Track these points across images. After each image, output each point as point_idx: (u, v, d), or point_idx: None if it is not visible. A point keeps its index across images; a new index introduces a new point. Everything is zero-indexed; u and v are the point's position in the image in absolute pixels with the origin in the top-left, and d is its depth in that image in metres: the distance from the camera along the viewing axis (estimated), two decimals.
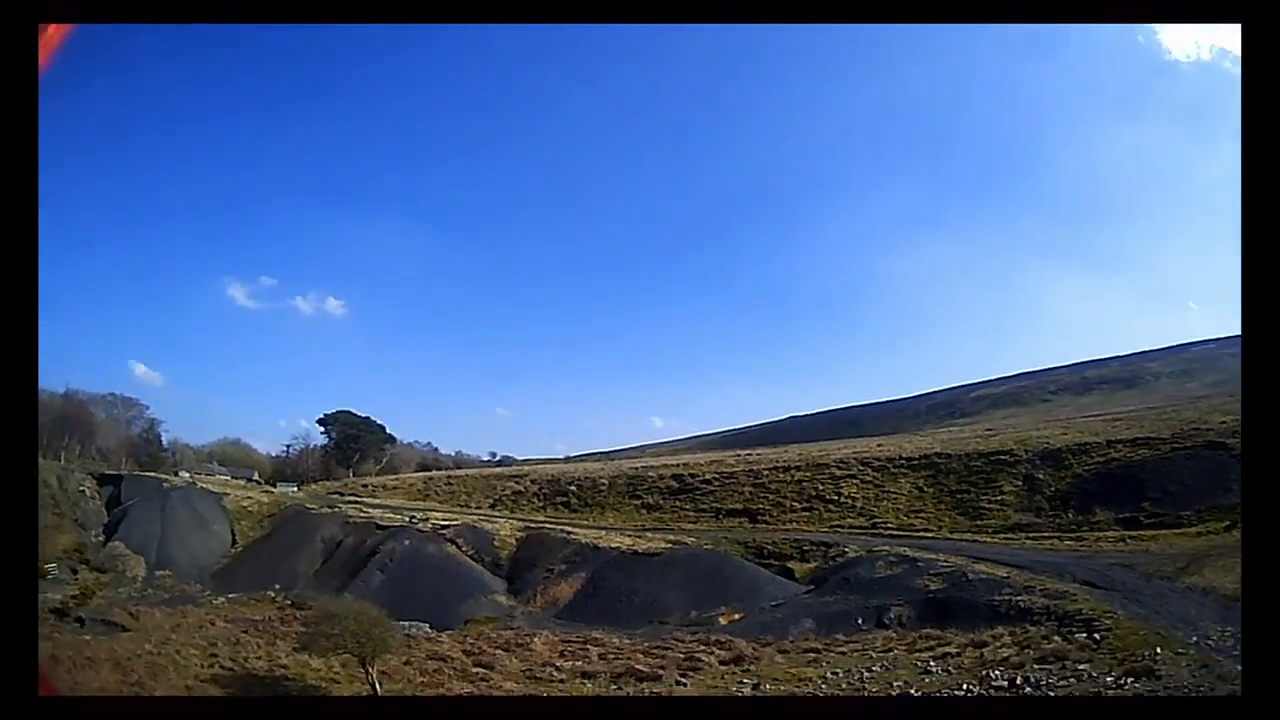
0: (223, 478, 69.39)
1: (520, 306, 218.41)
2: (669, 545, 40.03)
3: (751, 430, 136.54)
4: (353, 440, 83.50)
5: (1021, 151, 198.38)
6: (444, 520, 48.26)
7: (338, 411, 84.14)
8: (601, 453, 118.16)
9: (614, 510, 53.66)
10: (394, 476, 73.71)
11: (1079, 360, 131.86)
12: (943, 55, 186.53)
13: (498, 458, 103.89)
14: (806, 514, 44.79)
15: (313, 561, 44.85)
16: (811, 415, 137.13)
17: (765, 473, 50.42)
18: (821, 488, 46.40)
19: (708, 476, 51.99)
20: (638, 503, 53.19)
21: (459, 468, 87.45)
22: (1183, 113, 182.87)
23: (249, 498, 55.27)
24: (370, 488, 67.99)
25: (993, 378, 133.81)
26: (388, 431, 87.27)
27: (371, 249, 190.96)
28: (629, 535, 43.46)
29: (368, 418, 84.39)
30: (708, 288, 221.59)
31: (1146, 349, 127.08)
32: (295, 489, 64.84)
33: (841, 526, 42.36)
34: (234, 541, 48.45)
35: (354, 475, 77.78)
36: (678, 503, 50.50)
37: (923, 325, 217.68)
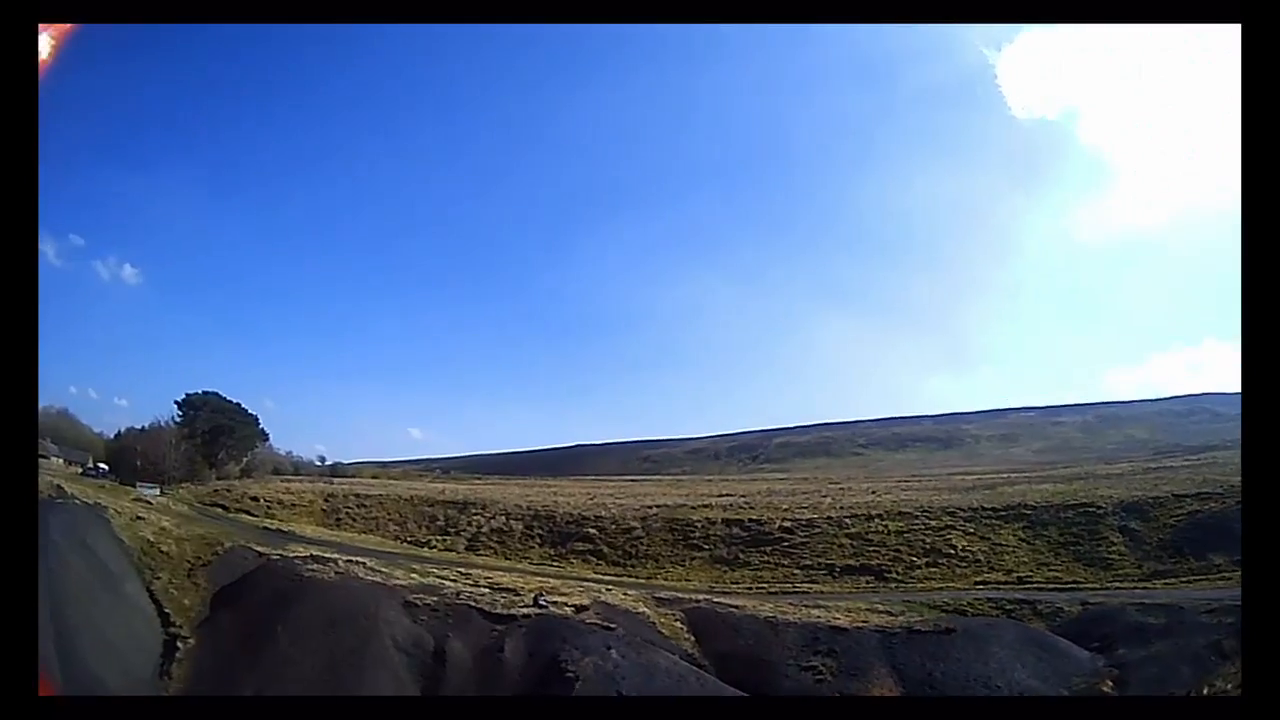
0: (58, 461, 54.87)
1: (293, 297, 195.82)
2: (865, 617, 30.73)
3: (540, 454, 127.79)
4: (223, 432, 65.96)
5: (836, 185, 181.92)
6: (548, 591, 33.07)
7: (204, 394, 66.96)
8: (375, 462, 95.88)
9: (673, 563, 43.01)
10: (285, 487, 59.66)
11: (886, 416, 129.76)
12: (776, 77, 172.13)
13: (327, 462, 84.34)
14: (934, 569, 41.48)
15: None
16: (604, 445, 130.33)
17: (847, 520, 43.83)
18: (928, 539, 43.83)
19: (776, 523, 44.66)
20: (702, 554, 43.26)
21: (336, 476, 71.22)
22: (1011, 170, 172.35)
23: (140, 518, 35.52)
24: (262, 502, 54.02)
25: (792, 425, 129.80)
26: (260, 427, 71.04)
27: (169, 217, 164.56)
28: (788, 603, 33.65)
29: (239, 405, 68.05)
30: (487, 301, 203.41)
31: (959, 410, 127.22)
32: (158, 493, 51.28)
33: (987, 582, 40.01)
34: (166, 621, 27.81)
35: (217, 476, 64.27)
36: (765, 556, 41.65)
37: (703, 360, 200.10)
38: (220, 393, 66.84)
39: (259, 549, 35.34)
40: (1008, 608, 32.36)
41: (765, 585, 38.01)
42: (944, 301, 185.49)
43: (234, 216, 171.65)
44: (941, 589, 36.19)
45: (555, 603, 31.33)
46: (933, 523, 42.09)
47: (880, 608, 32.61)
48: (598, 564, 43.14)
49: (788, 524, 44.11)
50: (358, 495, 55.91)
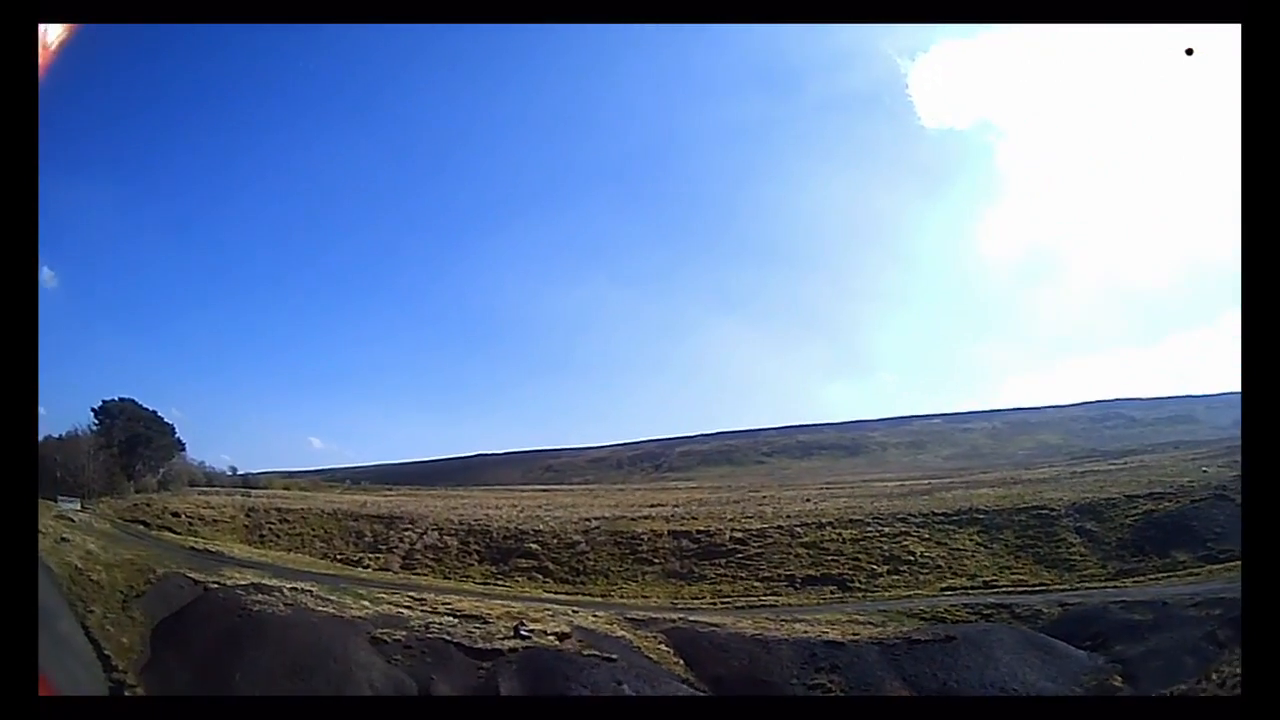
0: None
1: (197, 303, 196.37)
2: (854, 630, 29.78)
3: (443, 464, 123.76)
4: (140, 442, 64.26)
5: (735, 190, 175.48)
6: (535, 621, 30.98)
7: (120, 401, 65.56)
8: (282, 472, 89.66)
9: (624, 579, 41.13)
10: (204, 502, 58.48)
11: (788, 424, 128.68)
12: (677, 80, 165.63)
13: (239, 472, 79.64)
14: (897, 576, 39.05)
15: None
16: (505, 454, 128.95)
17: (798, 529, 43.27)
18: (885, 546, 43.39)
19: (725, 534, 43.42)
20: (654, 568, 41.53)
21: (249, 487, 68.10)
22: (917, 179, 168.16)
23: (65, 539, 34.30)
24: (184, 518, 52.92)
25: (693, 434, 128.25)
26: (176, 436, 68.41)
27: (88, 220, 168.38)
28: (763, 617, 32.93)
29: (155, 413, 66.85)
30: (383, 307, 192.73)
31: (862, 418, 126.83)
32: (79, 507, 49.97)
33: (953, 588, 39.21)
34: (107, 664, 24.92)
35: (135, 489, 62.26)
36: (720, 569, 40.37)
37: (600, 367, 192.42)
38: (136, 400, 63.97)
39: (193, 575, 33.30)
40: (985, 612, 31.99)
41: (728, 600, 36.68)
42: (843, 308, 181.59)
43: (146, 221, 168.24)
44: (910, 596, 35.61)
45: (534, 631, 29.06)
46: (886, 529, 41.61)
47: (860, 618, 31.74)
48: (545, 581, 40.74)
49: (738, 534, 42.93)
50: (279, 510, 53.68)
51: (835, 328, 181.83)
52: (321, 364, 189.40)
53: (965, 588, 35.96)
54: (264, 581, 33.77)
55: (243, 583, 33.35)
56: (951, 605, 33.49)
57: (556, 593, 39.09)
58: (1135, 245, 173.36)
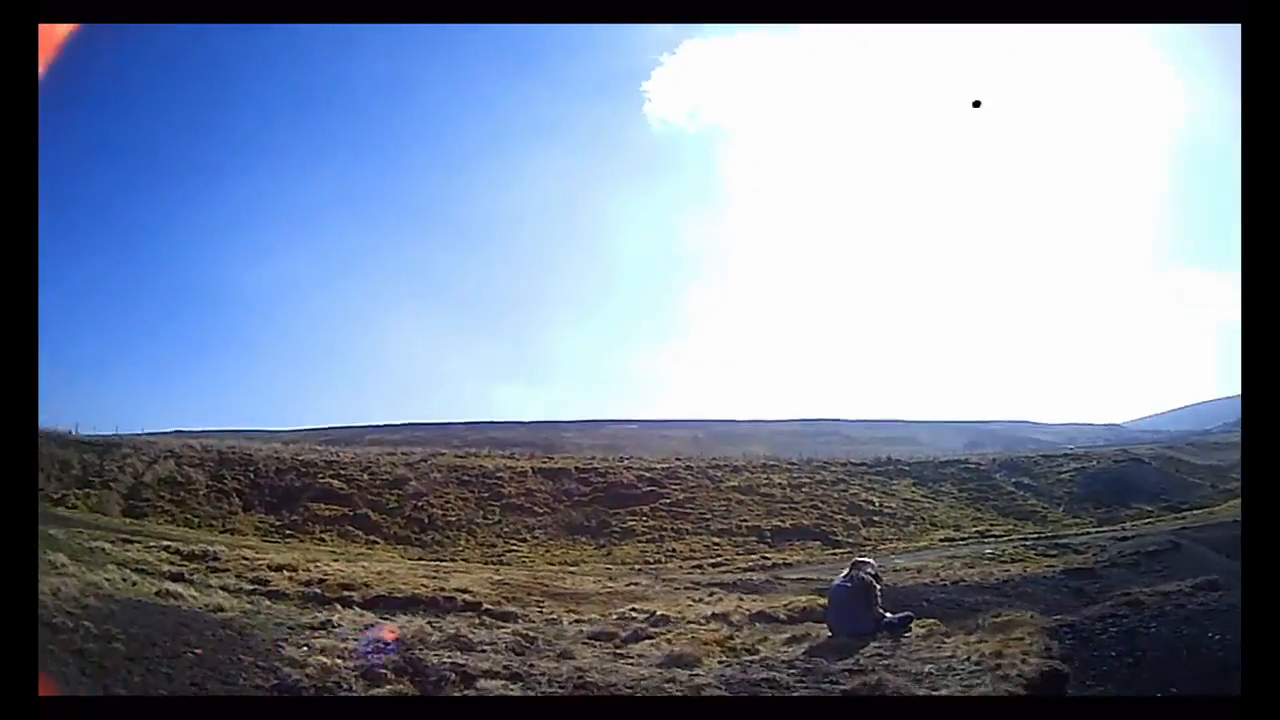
0: None
1: None
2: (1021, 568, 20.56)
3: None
4: None
5: (450, 175, 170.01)
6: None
7: None
8: None
9: (503, 536, 26.30)
10: None
11: (478, 419, 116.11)
12: (407, 60, 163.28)
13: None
14: (875, 529, 31.40)
15: None
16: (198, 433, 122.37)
17: (714, 473, 35.12)
18: (834, 494, 36.25)
19: (621, 474, 33.44)
20: (542, 519, 27.95)
21: None
22: (631, 178, 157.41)
23: None
24: None
25: (380, 423, 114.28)
26: None
27: None
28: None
29: None
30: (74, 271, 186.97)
31: (553, 419, 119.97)
32: None
33: (951, 540, 31.38)
34: None
35: None
36: (645, 519, 30.03)
37: (287, 348, 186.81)
38: None
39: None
40: (1049, 552, 23.04)
41: (695, 563, 24.80)
42: (537, 306, 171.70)
43: None
44: (925, 548, 27.62)
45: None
46: (823, 476, 35.26)
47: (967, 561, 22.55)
48: (370, 538, 25.43)
49: (645, 474, 32.73)
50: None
51: (527, 326, 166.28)
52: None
53: (958, 538, 29.08)
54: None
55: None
56: (1013, 549, 24.22)
57: (396, 556, 23.58)
58: (847, 264, 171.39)
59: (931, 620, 10.12)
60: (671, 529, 29.78)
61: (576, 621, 11.35)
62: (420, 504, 28.59)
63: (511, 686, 7.16)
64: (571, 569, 23.69)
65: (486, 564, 23.33)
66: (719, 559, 26.50)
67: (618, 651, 9.23)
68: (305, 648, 7.60)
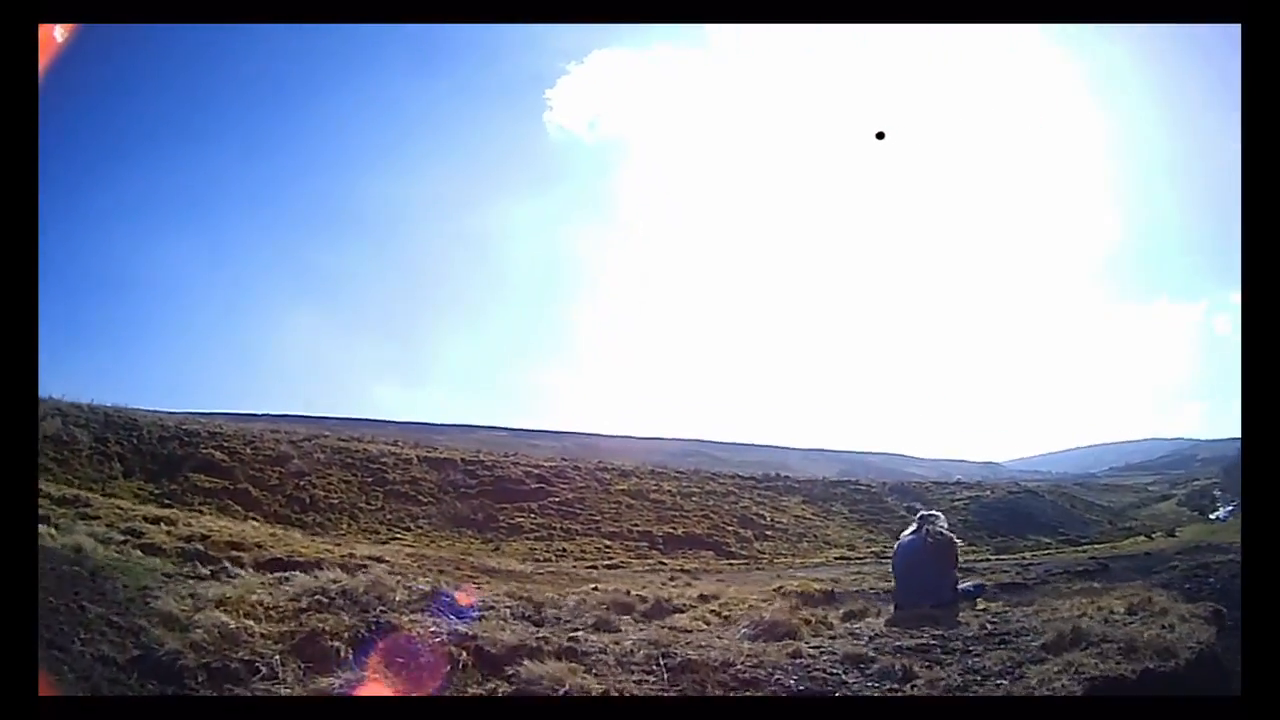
0: None
1: None
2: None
3: None
4: None
5: (337, 172, 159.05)
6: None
7: None
8: None
9: (385, 523, 26.65)
10: None
11: (347, 416, 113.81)
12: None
13: None
14: (768, 543, 29.17)
15: None
16: None
17: (603, 475, 34.43)
18: (725, 506, 33.17)
19: (508, 468, 32.89)
20: (426, 508, 28.32)
21: None
22: (525, 185, 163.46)
23: None
24: None
25: (242, 411, 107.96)
26: None
27: None
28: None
29: None
30: None
31: (424, 420, 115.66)
32: None
33: (847, 559, 31.09)
34: None
35: None
36: (534, 516, 29.45)
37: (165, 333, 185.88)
38: None
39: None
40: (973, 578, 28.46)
41: (589, 563, 23.82)
42: (422, 307, 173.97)
43: None
44: (822, 564, 26.09)
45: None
46: (713, 487, 34.09)
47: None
48: (249, 515, 24.12)
49: (532, 470, 32.10)
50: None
51: (409, 326, 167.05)
52: None
53: (856, 558, 26.91)
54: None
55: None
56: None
57: (292, 535, 21.07)
58: (726, 286, 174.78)
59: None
60: (561, 528, 28.79)
61: (558, 596, 9.35)
62: (302, 483, 27.39)
63: (603, 655, 5.93)
64: (467, 557, 21.19)
65: (374, 548, 20.79)
66: (613, 561, 25.37)
67: (667, 625, 7.63)
68: (190, 599, 5.84)
